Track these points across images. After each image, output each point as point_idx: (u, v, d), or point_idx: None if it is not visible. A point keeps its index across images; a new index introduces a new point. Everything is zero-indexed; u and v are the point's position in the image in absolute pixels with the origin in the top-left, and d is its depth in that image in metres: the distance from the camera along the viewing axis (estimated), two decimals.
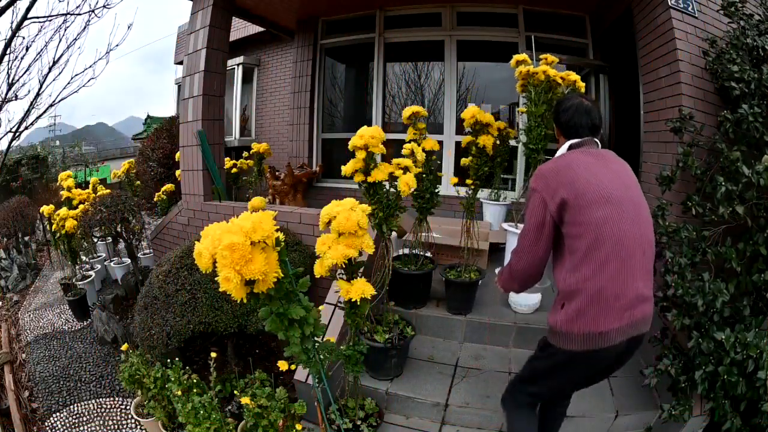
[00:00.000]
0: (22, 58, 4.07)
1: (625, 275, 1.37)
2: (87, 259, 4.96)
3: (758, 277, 1.99)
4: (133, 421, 2.63)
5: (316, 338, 1.46)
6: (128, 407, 2.77)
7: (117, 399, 2.90)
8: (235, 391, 2.48)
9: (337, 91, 6.28)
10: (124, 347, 2.60)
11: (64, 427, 2.65)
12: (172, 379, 2.29)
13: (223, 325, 2.57)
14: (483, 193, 4.14)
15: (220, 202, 4.06)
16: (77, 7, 4.08)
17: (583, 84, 2.63)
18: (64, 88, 4.39)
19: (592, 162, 1.48)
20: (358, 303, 1.75)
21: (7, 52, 3.84)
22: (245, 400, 2.02)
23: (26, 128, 4.44)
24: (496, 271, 2.13)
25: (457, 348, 2.78)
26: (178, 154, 4.50)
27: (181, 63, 7.19)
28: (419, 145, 2.57)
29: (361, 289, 1.72)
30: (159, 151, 7.20)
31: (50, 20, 3.91)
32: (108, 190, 5.00)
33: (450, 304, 2.89)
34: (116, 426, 2.65)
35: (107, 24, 4.26)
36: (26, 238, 6.61)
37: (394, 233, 2.42)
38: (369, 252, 1.70)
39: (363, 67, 5.97)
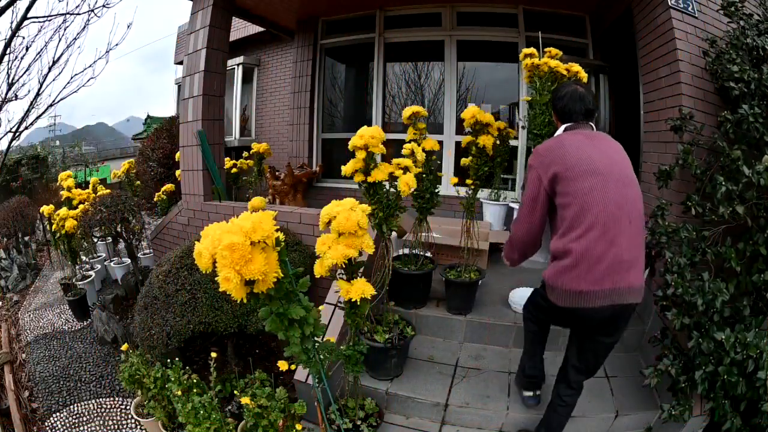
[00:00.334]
0: (21, 58, 4.08)
1: (609, 241, 1.48)
2: (87, 259, 4.96)
3: (758, 277, 1.98)
4: (133, 421, 2.63)
5: (316, 338, 1.46)
6: (128, 407, 2.77)
7: (117, 399, 2.90)
8: (235, 391, 2.48)
9: (337, 91, 6.28)
10: (124, 347, 2.60)
11: (64, 427, 2.65)
12: (172, 379, 2.29)
13: (223, 325, 2.57)
14: (483, 193, 4.15)
15: (220, 202, 4.06)
16: (77, 7, 4.09)
17: (586, 75, 2.69)
18: (64, 88, 4.41)
19: (582, 141, 1.62)
20: (358, 303, 1.75)
21: (7, 52, 3.84)
22: (245, 400, 2.02)
23: (26, 128, 4.45)
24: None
25: (457, 348, 2.78)
26: (178, 154, 4.49)
27: (181, 63, 7.18)
28: (419, 145, 2.57)
29: (361, 289, 1.72)
30: (159, 151, 7.20)
31: (50, 20, 3.92)
32: (108, 190, 5.00)
33: (450, 304, 2.89)
34: (116, 426, 2.65)
35: (107, 23, 4.25)
36: (26, 238, 6.60)
37: (394, 233, 2.42)
38: (369, 252, 1.70)
39: (363, 67, 5.96)
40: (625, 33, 3.80)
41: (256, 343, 3.29)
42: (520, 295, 2.86)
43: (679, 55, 2.65)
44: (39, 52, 4.14)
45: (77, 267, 4.47)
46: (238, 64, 7.36)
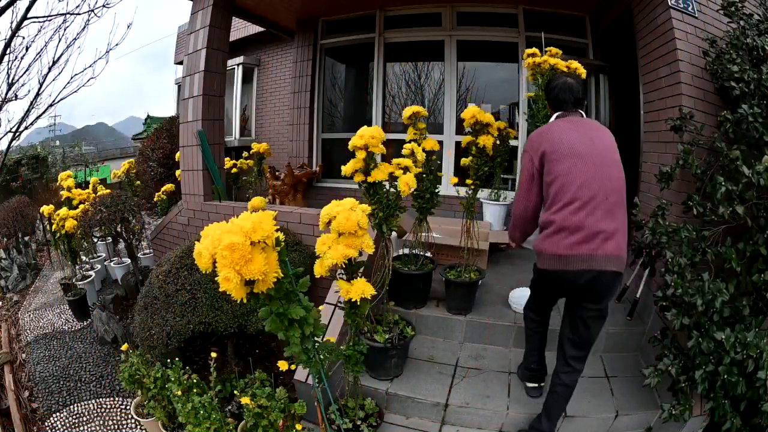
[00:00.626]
0: (21, 58, 4.08)
1: (586, 213, 1.68)
2: (87, 259, 4.96)
3: (758, 277, 1.98)
4: (133, 421, 2.63)
5: (316, 338, 1.46)
6: (128, 407, 2.77)
7: (117, 399, 2.90)
8: (235, 391, 2.48)
9: (337, 91, 6.28)
10: (124, 347, 2.60)
11: (64, 427, 2.66)
12: (172, 379, 2.29)
13: (223, 325, 2.57)
14: (483, 193, 4.14)
15: (220, 202, 4.06)
16: (77, 7, 4.10)
17: (585, 71, 2.77)
18: (64, 88, 4.41)
19: (568, 127, 1.83)
20: (358, 303, 1.75)
21: (7, 52, 3.84)
22: (245, 400, 2.02)
23: (26, 128, 4.45)
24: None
25: (457, 348, 2.78)
26: (178, 154, 4.49)
27: (181, 63, 7.18)
28: (419, 145, 2.58)
29: (361, 289, 1.72)
30: (159, 151, 7.20)
31: (50, 20, 3.92)
32: (108, 190, 5.00)
33: (450, 304, 2.89)
34: (116, 426, 2.65)
35: (107, 23, 4.25)
36: (26, 238, 6.60)
37: (394, 233, 2.42)
38: (369, 252, 1.70)
39: (363, 67, 5.96)
40: (625, 33, 3.80)
41: (256, 343, 3.29)
42: (520, 295, 2.86)
43: (679, 55, 2.65)
44: (39, 52, 4.15)
45: (77, 267, 4.47)
46: (238, 64, 7.36)
